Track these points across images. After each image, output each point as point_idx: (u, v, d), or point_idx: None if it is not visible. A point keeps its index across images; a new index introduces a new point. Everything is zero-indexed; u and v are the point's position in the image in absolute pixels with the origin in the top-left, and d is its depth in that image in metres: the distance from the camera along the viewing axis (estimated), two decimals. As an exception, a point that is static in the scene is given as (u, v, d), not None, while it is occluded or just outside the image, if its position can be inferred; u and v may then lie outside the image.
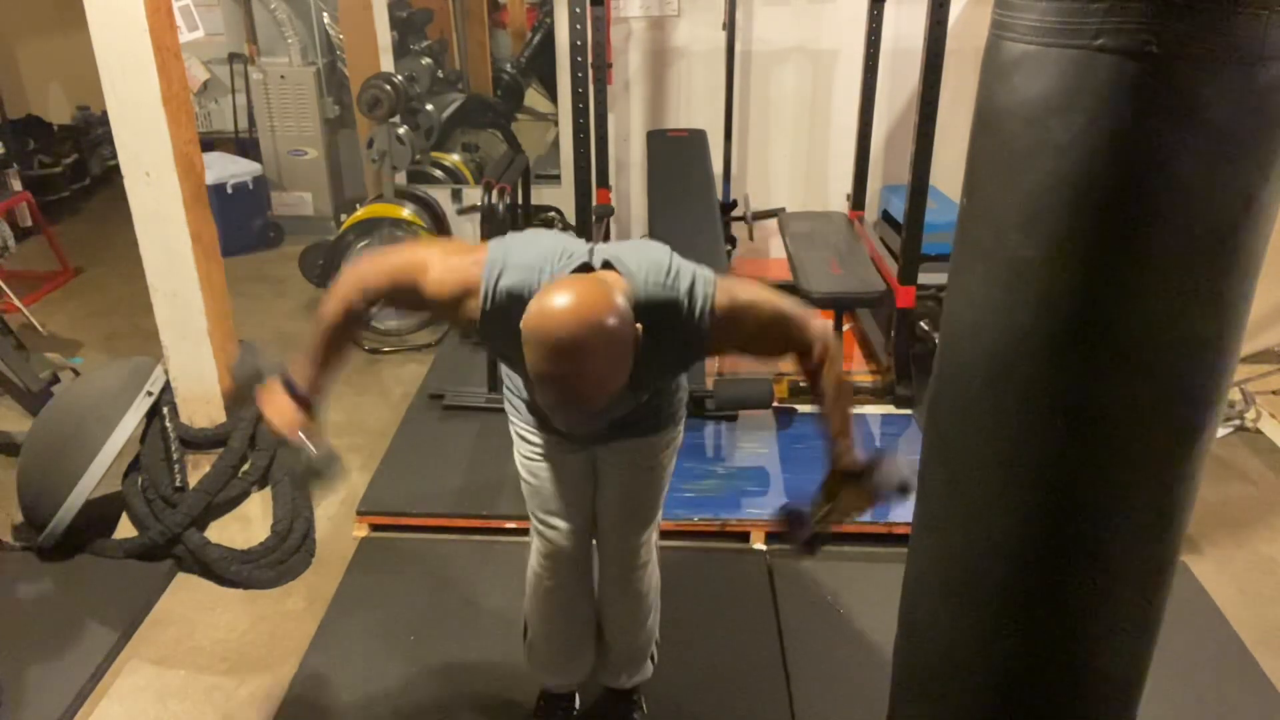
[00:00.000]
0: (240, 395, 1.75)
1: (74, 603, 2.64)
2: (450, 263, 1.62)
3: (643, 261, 1.58)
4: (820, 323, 1.70)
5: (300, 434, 1.74)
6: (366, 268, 1.68)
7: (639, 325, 1.46)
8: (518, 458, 1.95)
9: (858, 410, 3.45)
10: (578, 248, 1.62)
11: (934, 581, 1.38)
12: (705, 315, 1.58)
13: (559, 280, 1.46)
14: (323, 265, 4.18)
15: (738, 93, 4.40)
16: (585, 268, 1.57)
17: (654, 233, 3.75)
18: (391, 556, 2.83)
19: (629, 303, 1.46)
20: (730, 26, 4.24)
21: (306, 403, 1.75)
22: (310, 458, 1.75)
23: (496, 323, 1.58)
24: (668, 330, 1.56)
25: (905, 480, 1.71)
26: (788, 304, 1.67)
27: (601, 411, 1.47)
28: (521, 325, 1.41)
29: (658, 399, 1.84)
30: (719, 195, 4.19)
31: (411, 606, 2.62)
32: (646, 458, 1.88)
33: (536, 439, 1.89)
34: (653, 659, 2.21)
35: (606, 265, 1.58)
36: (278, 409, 1.73)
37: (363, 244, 4.13)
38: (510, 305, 1.55)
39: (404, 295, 1.66)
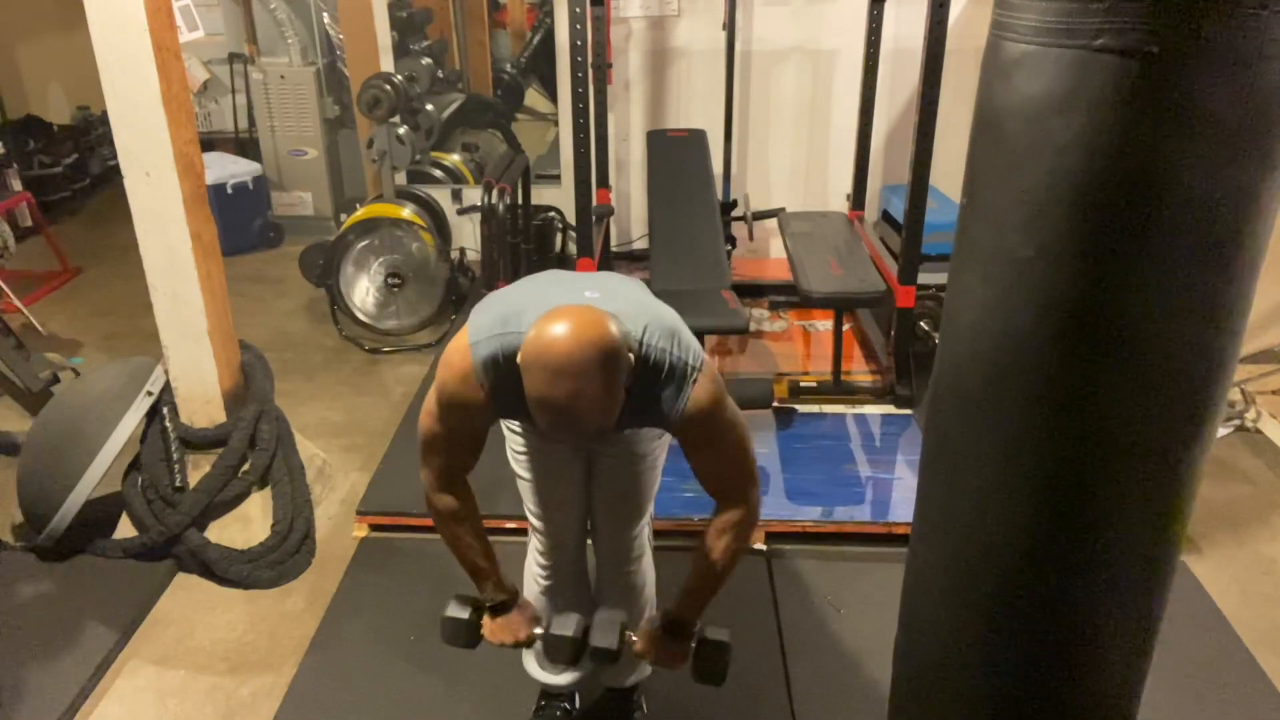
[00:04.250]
0: (465, 647, 1.86)
1: (74, 603, 2.64)
2: (439, 383, 1.67)
3: (645, 321, 1.59)
4: (757, 494, 1.74)
5: (535, 633, 1.83)
6: (423, 470, 1.80)
7: (632, 355, 1.49)
8: (510, 453, 1.97)
9: (858, 410, 3.45)
10: (566, 299, 1.59)
11: (934, 581, 1.38)
12: (688, 389, 1.59)
13: (555, 310, 1.47)
14: (323, 265, 4.18)
15: (738, 93, 4.40)
16: None
17: (654, 233, 3.75)
18: (391, 556, 2.83)
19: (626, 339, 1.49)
20: (730, 26, 4.24)
21: (508, 599, 1.83)
22: (556, 643, 1.78)
23: (503, 392, 1.60)
24: (653, 389, 1.59)
25: (719, 674, 1.81)
26: (751, 456, 1.71)
27: (597, 433, 1.51)
28: (520, 353, 1.43)
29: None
30: (719, 195, 4.19)
31: (411, 606, 2.62)
32: (638, 449, 1.90)
33: (525, 433, 1.91)
34: (653, 658, 2.21)
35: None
36: (503, 633, 1.83)
37: (362, 244, 4.14)
38: (504, 371, 1.57)
39: (450, 444, 1.75)
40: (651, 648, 1.81)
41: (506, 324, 1.59)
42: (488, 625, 1.84)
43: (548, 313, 1.46)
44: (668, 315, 1.66)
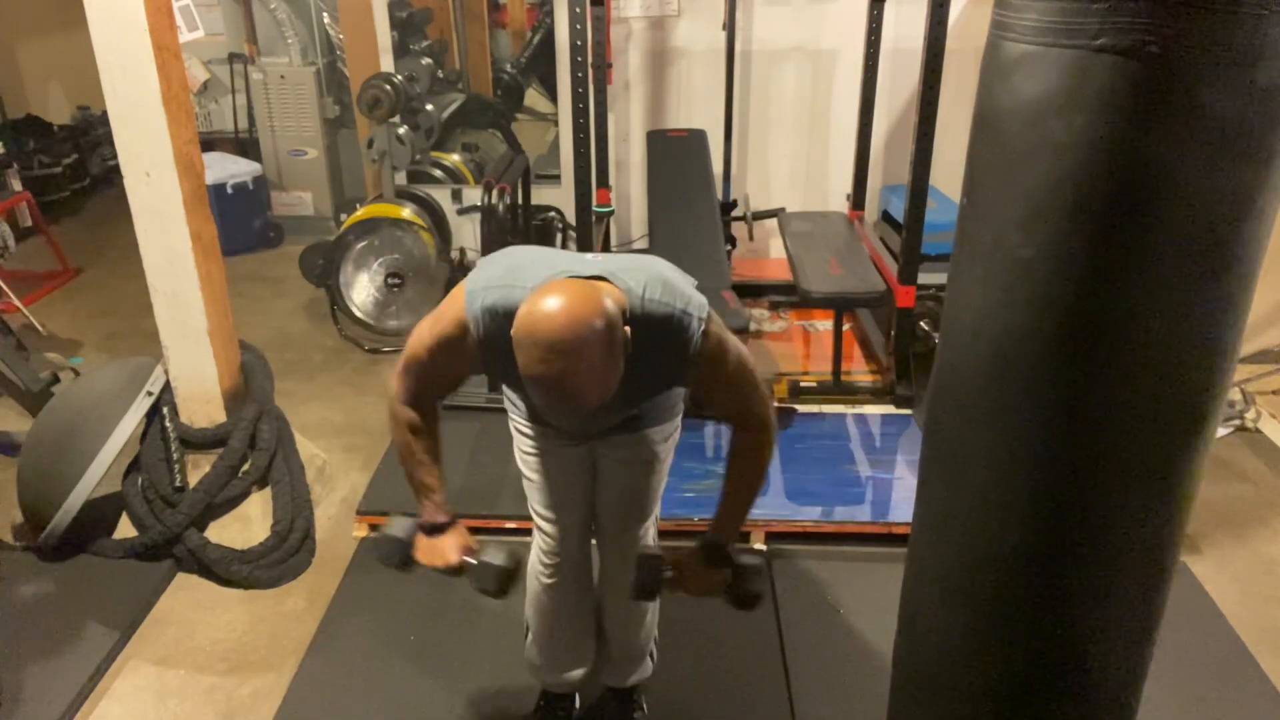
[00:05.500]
0: (399, 568, 1.82)
1: (74, 603, 2.64)
2: (439, 313, 1.66)
3: (642, 277, 1.59)
4: (770, 408, 1.75)
5: (465, 559, 1.78)
6: (395, 379, 1.74)
7: (627, 329, 1.48)
8: (517, 454, 1.97)
9: (858, 410, 3.45)
10: (570, 264, 1.61)
11: (934, 581, 1.38)
12: (698, 339, 1.60)
13: (549, 283, 1.47)
14: (323, 265, 4.18)
15: (738, 93, 4.40)
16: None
17: (654, 233, 3.75)
18: (391, 556, 2.83)
19: (622, 310, 1.48)
20: (730, 26, 4.24)
21: (446, 522, 1.80)
22: (484, 571, 1.75)
23: (493, 347, 1.60)
24: (658, 347, 1.58)
25: (758, 594, 1.79)
26: (758, 377, 1.73)
27: (594, 414, 1.49)
28: (513, 328, 1.42)
29: (654, 400, 1.84)
30: (719, 195, 4.19)
31: (411, 606, 2.62)
32: (645, 451, 1.89)
33: (535, 435, 1.90)
34: (652, 657, 2.21)
35: (599, 279, 1.58)
36: (433, 554, 1.80)
37: (362, 244, 4.14)
38: (499, 324, 1.56)
39: (429, 374, 1.71)
40: (691, 575, 1.80)
41: (514, 276, 1.58)
42: (421, 543, 1.81)
43: (541, 287, 1.45)
44: (667, 270, 1.65)
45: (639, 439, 1.88)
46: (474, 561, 1.77)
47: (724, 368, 1.66)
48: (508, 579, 1.76)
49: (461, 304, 1.62)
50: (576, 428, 1.82)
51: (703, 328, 1.60)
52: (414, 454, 1.79)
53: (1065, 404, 1.13)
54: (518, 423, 1.93)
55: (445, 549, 1.79)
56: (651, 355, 1.57)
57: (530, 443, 1.92)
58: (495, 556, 1.75)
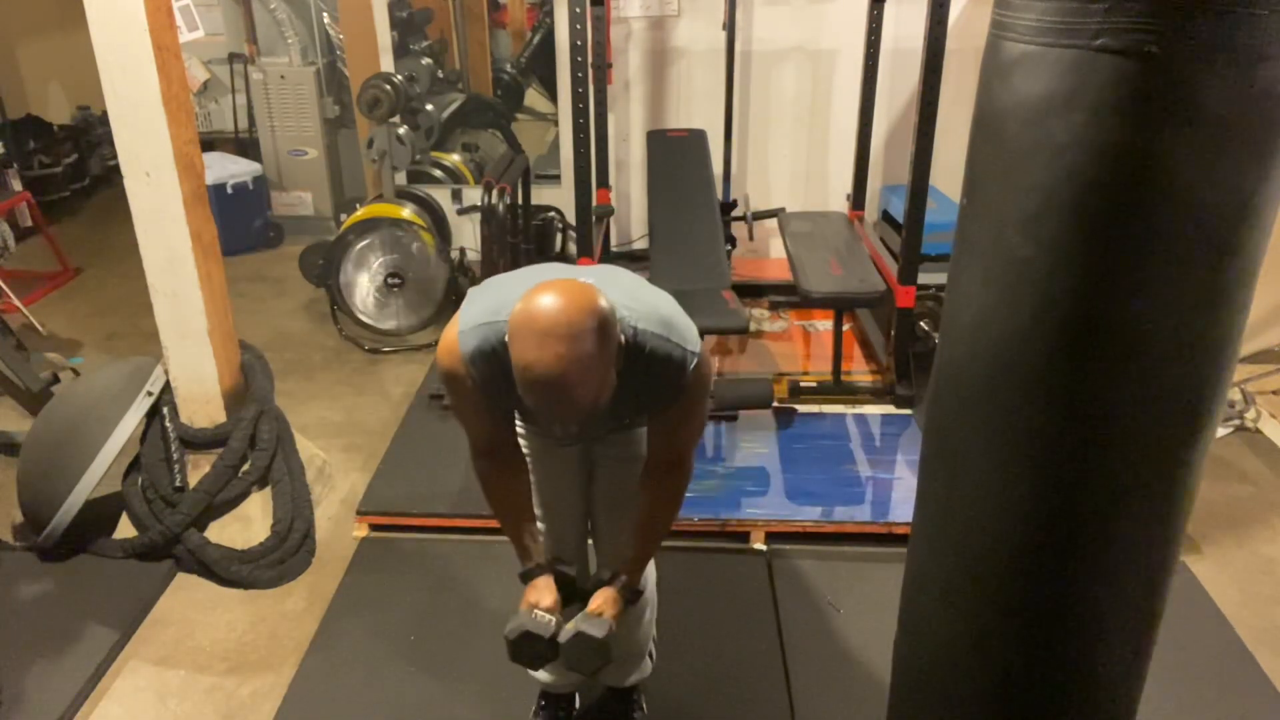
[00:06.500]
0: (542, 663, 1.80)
1: (74, 603, 2.64)
2: (440, 363, 1.68)
3: (641, 310, 1.60)
4: (685, 457, 1.80)
5: (537, 613, 1.73)
6: (470, 438, 1.78)
7: (623, 338, 1.49)
8: None
9: (858, 410, 3.45)
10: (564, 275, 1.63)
11: (934, 581, 1.38)
12: (690, 374, 1.63)
13: (543, 284, 1.47)
14: (323, 265, 4.18)
15: (738, 93, 4.39)
16: None
17: (654, 233, 3.75)
18: (391, 556, 2.83)
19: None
20: (730, 26, 4.24)
21: (537, 568, 1.81)
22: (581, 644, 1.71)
23: (490, 384, 1.62)
24: (653, 375, 1.61)
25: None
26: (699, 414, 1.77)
27: (587, 420, 1.49)
28: (508, 325, 1.42)
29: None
30: (719, 195, 4.19)
31: (411, 606, 2.62)
32: (641, 448, 1.89)
33: (529, 435, 1.90)
34: (651, 656, 2.21)
35: None
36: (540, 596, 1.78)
37: (362, 244, 4.14)
38: (490, 360, 1.59)
39: (473, 412, 1.72)
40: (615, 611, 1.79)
41: (495, 314, 1.59)
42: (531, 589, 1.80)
43: (536, 285, 1.46)
44: (663, 304, 1.67)
45: (634, 437, 1.88)
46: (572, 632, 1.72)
47: (697, 402, 1.70)
48: (550, 651, 1.72)
49: (456, 346, 1.63)
50: (570, 438, 1.84)
51: (693, 363, 1.63)
52: (500, 507, 1.83)
53: (1065, 404, 1.13)
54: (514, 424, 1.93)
55: (545, 596, 1.78)
56: (643, 379, 1.60)
57: (524, 442, 1.92)
58: (538, 628, 1.71)
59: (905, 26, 4.22)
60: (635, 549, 1.83)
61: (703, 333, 1.73)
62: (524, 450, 1.93)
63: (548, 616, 1.73)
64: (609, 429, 1.82)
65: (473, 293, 1.72)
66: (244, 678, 2.44)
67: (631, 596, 1.83)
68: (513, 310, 1.44)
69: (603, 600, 1.77)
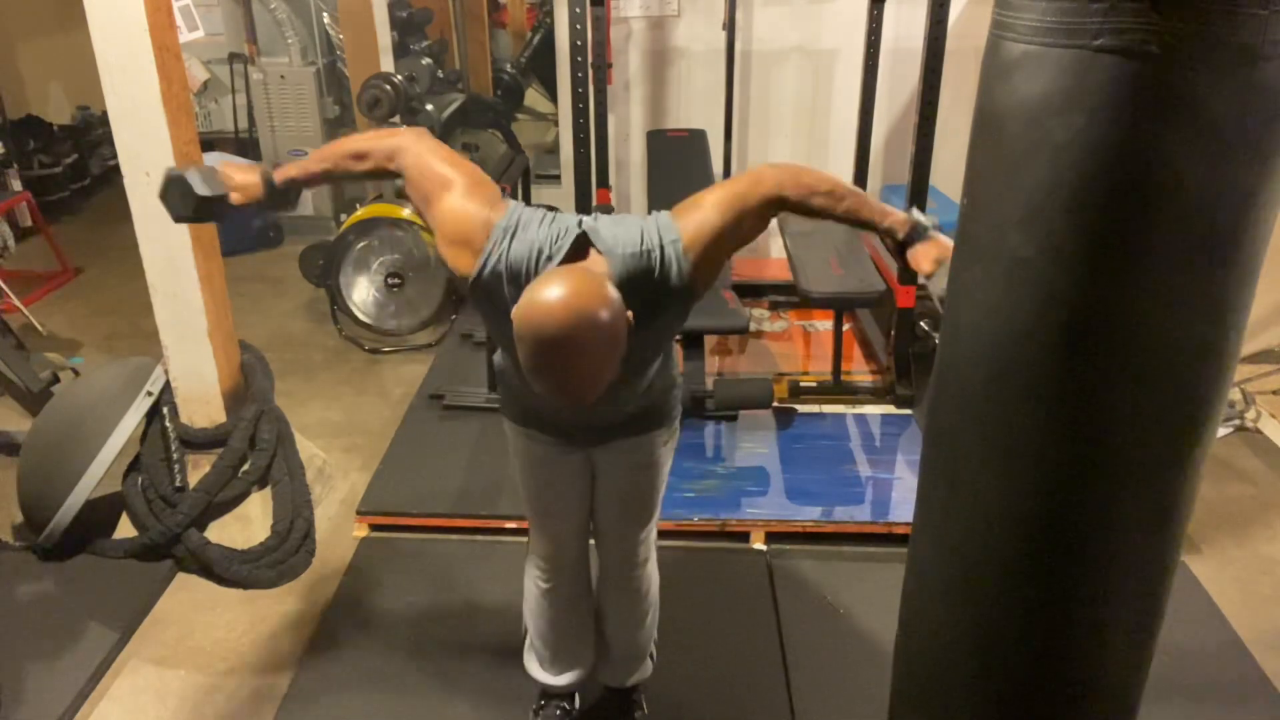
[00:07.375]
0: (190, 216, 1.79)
1: (74, 603, 2.64)
2: (467, 206, 1.64)
3: (619, 235, 1.58)
4: (772, 170, 1.71)
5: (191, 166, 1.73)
6: (410, 142, 1.75)
7: (630, 314, 1.46)
8: (514, 459, 1.95)
9: (858, 410, 3.45)
10: (570, 224, 1.60)
11: (934, 581, 1.38)
12: (684, 269, 1.57)
13: (549, 274, 1.46)
14: (323, 265, 4.18)
15: (738, 93, 4.39)
16: (578, 243, 1.56)
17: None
18: (391, 556, 2.83)
19: (615, 284, 1.46)
20: (730, 26, 4.24)
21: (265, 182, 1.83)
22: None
23: (485, 291, 1.59)
24: (652, 297, 1.56)
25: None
26: (729, 184, 1.69)
27: (595, 403, 1.47)
28: (513, 317, 1.41)
29: (651, 396, 1.83)
30: (719, 195, 4.18)
31: (411, 606, 2.62)
32: (644, 455, 1.88)
33: (533, 440, 1.89)
34: (652, 657, 2.21)
35: (585, 238, 1.57)
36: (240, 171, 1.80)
37: (362, 244, 4.14)
38: (502, 279, 1.56)
39: (416, 193, 1.74)
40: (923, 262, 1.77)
41: (540, 254, 1.56)
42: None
43: (539, 280, 1.43)
44: (633, 220, 1.63)
45: (638, 443, 1.87)
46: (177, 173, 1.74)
47: (717, 238, 1.62)
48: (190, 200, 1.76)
49: (489, 232, 1.60)
50: (580, 422, 1.81)
51: (680, 255, 1.57)
52: (329, 161, 1.88)
53: (1065, 404, 1.13)
54: (515, 429, 1.90)
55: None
56: (648, 306, 1.54)
57: (528, 449, 1.90)
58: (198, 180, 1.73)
59: (905, 26, 4.22)
60: (859, 216, 1.80)
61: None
62: (524, 459, 1.91)
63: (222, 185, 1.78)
64: (616, 415, 1.79)
65: (519, 213, 1.64)
66: (244, 678, 2.44)
67: (907, 236, 1.82)
68: (517, 305, 1.41)
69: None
